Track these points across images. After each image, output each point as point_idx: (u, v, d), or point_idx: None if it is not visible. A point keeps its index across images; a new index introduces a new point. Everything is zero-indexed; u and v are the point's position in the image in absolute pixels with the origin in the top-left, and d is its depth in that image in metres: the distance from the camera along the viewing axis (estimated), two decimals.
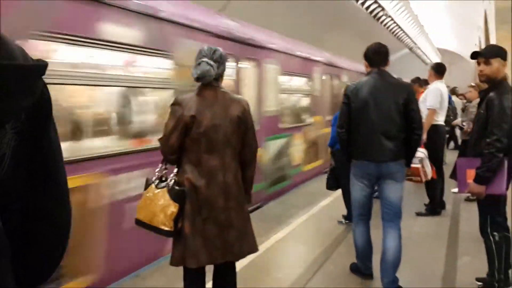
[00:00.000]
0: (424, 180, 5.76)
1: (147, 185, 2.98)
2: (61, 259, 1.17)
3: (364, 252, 4.05)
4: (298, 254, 4.94)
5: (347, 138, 3.81)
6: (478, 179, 3.44)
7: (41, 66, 0.99)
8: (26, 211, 1.03)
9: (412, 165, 5.64)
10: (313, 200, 7.20)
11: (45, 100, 1.03)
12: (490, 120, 3.42)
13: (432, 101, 6.21)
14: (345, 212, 5.88)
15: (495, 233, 3.55)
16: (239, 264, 4.21)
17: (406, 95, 3.71)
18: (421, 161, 5.65)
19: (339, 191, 6.10)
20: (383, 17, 18.85)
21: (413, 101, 3.79)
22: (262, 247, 4.91)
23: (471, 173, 3.49)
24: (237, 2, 10.67)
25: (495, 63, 3.53)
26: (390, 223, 3.83)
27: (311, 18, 15.53)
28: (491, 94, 3.48)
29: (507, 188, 3.53)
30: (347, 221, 5.76)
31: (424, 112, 6.30)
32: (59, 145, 1.09)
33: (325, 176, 6.13)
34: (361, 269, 4.14)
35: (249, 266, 4.35)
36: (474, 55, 3.63)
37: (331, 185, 5.98)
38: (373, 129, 3.67)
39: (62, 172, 1.13)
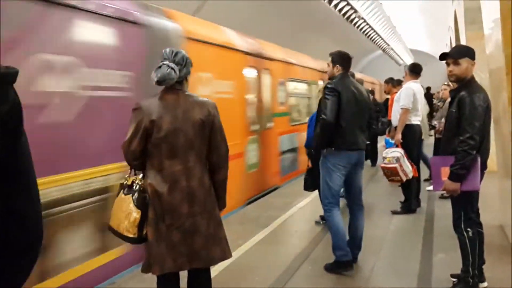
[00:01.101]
0: (405, 179, 5.84)
1: (119, 190, 2.94)
2: (35, 260, 1.15)
3: (344, 237, 4.30)
4: (276, 256, 4.94)
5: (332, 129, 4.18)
6: (452, 177, 3.50)
7: (11, 73, 0.98)
8: None
9: (390, 165, 5.75)
10: (290, 202, 7.23)
11: (17, 107, 1.02)
12: (463, 118, 3.48)
13: (405, 101, 6.31)
14: (322, 212, 5.91)
15: (468, 229, 3.61)
16: (217, 268, 4.21)
17: (370, 96, 4.10)
18: (397, 160, 5.73)
19: (316, 192, 6.13)
20: (356, 19, 19.05)
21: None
22: (240, 250, 4.92)
23: (445, 171, 3.55)
24: (211, 5, 10.68)
25: (464, 63, 3.60)
26: (359, 206, 4.48)
27: (286, 21, 15.62)
28: (462, 93, 3.55)
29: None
30: (323, 221, 5.80)
31: (398, 112, 6.41)
32: (29, 149, 1.09)
33: (303, 177, 6.15)
34: (342, 258, 4.24)
35: (227, 269, 4.34)
36: (443, 56, 3.71)
37: (309, 186, 5.99)
38: (354, 122, 4.23)
39: (32, 175, 1.12)
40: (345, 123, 4.16)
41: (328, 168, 4.27)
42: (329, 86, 4.22)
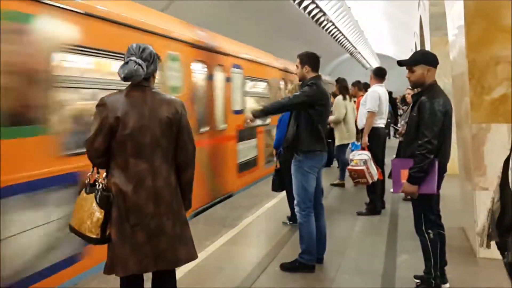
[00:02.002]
0: (370, 181, 5.92)
1: (81, 189, 2.85)
2: None
3: (315, 242, 4.34)
4: (243, 256, 4.93)
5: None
6: (410, 179, 3.57)
7: None
8: None
9: (357, 167, 5.83)
10: (258, 202, 7.23)
11: None
12: (422, 122, 3.56)
13: (371, 104, 6.41)
14: (289, 213, 5.93)
15: (429, 231, 3.68)
16: (183, 269, 4.16)
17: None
18: (365, 163, 5.81)
19: (283, 193, 6.16)
20: (325, 22, 19.26)
21: None
22: (206, 251, 4.88)
23: (404, 173, 3.62)
24: (178, 3, 10.58)
25: (418, 69, 3.70)
26: (321, 205, 4.58)
27: (257, 22, 15.64)
28: (423, 97, 3.64)
29: (438, 188, 3.68)
30: (291, 222, 5.83)
31: (364, 115, 6.51)
32: None
33: (271, 177, 6.17)
34: (308, 261, 4.31)
35: (193, 270, 4.29)
36: (399, 64, 3.82)
37: (276, 187, 6.01)
38: (324, 124, 4.44)
39: None
40: (320, 126, 4.30)
41: (304, 172, 4.28)
42: (308, 89, 4.26)
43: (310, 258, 4.31)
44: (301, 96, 4.25)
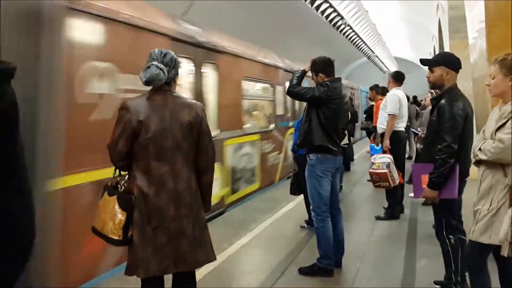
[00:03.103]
0: (392, 185, 5.87)
1: (103, 191, 2.89)
2: (24, 264, 1.13)
3: (332, 247, 4.32)
4: (261, 259, 4.94)
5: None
6: (431, 184, 3.53)
7: (8, 69, 0.96)
8: None
9: (380, 171, 5.78)
10: (276, 205, 7.23)
11: (13, 105, 1.00)
12: (441, 127, 3.51)
13: (391, 107, 6.39)
14: (307, 217, 5.93)
15: (450, 236, 3.64)
16: (202, 271, 4.19)
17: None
18: (388, 166, 5.76)
19: (301, 197, 6.16)
20: (342, 26, 19.22)
21: None
22: (225, 253, 4.90)
23: (425, 179, 3.58)
24: (198, 7, 10.66)
25: (438, 71, 3.66)
26: (338, 209, 4.52)
27: (273, 25, 15.67)
28: (442, 101, 3.58)
29: (459, 193, 3.64)
30: (309, 226, 5.82)
31: (385, 119, 6.49)
32: (23, 151, 1.06)
33: (289, 180, 6.18)
34: (327, 266, 4.29)
35: (212, 273, 4.32)
36: (421, 62, 3.81)
37: (295, 190, 6.03)
38: (336, 124, 4.30)
39: (26, 176, 1.10)
40: (335, 129, 4.28)
41: (316, 176, 4.27)
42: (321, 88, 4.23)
43: (328, 262, 4.30)
44: (314, 90, 4.23)
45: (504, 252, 2.64)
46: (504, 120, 2.91)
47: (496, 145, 2.89)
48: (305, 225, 5.97)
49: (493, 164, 2.95)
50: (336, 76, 4.42)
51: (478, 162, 3.06)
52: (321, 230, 4.30)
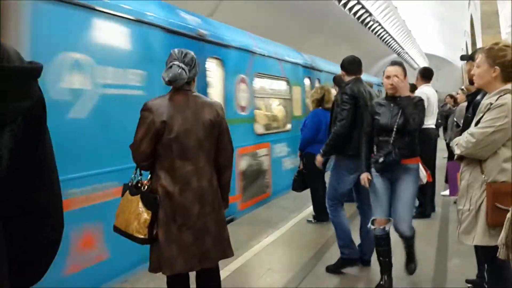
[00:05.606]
0: (419, 184, 5.76)
1: (124, 191, 2.92)
2: (54, 257, 1.16)
3: (350, 235, 4.37)
4: (288, 257, 4.92)
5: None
6: None
7: (36, 68, 0.98)
8: (21, 210, 1.02)
9: None
10: (302, 203, 7.19)
11: (41, 104, 1.02)
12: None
13: None
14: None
15: None
16: (229, 268, 4.21)
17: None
18: None
19: None
20: (371, 23, 18.99)
21: None
22: (252, 251, 4.90)
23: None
24: (225, 7, 10.72)
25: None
26: (369, 205, 4.28)
27: (300, 23, 15.62)
28: (478, 97, 3.49)
29: None
30: (315, 220, 6.07)
31: None
32: (52, 147, 1.08)
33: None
34: (350, 255, 4.31)
35: (239, 270, 4.33)
36: (462, 57, 3.70)
37: (297, 187, 6.18)
38: (361, 129, 4.10)
39: (56, 173, 1.12)
40: (358, 130, 4.19)
41: (340, 172, 4.29)
42: (346, 92, 4.19)
43: (350, 251, 4.29)
44: (343, 112, 4.16)
45: (500, 255, 2.51)
46: (481, 115, 2.80)
47: (468, 139, 2.78)
48: (312, 219, 6.17)
49: (472, 161, 2.83)
50: (363, 73, 4.44)
51: (460, 158, 2.95)
52: (334, 218, 4.34)
